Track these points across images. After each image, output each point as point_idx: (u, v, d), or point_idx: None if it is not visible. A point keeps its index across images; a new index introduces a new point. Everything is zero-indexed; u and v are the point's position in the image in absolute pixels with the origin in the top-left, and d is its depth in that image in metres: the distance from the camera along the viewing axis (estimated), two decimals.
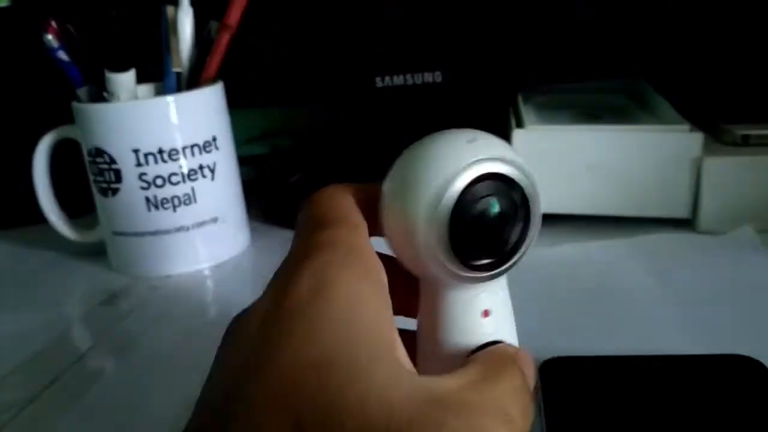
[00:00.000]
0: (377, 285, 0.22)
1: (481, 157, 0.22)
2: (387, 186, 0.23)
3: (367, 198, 0.24)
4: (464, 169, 0.22)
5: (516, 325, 0.26)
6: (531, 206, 0.23)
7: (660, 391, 0.29)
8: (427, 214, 0.22)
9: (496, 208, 0.22)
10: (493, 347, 0.24)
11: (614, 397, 0.29)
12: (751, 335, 0.34)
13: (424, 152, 0.23)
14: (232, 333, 0.23)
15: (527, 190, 0.23)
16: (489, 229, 0.22)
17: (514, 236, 0.23)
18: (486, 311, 0.24)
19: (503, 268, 0.23)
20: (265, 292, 0.22)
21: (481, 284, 0.24)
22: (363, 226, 0.23)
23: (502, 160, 0.22)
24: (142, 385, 0.37)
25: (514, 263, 0.24)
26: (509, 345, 0.24)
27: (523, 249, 0.24)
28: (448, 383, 0.20)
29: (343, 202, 0.24)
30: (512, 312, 0.26)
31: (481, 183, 0.22)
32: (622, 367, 0.31)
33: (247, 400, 0.19)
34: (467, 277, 0.23)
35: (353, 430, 0.18)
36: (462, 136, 0.23)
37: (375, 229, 0.24)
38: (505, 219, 0.23)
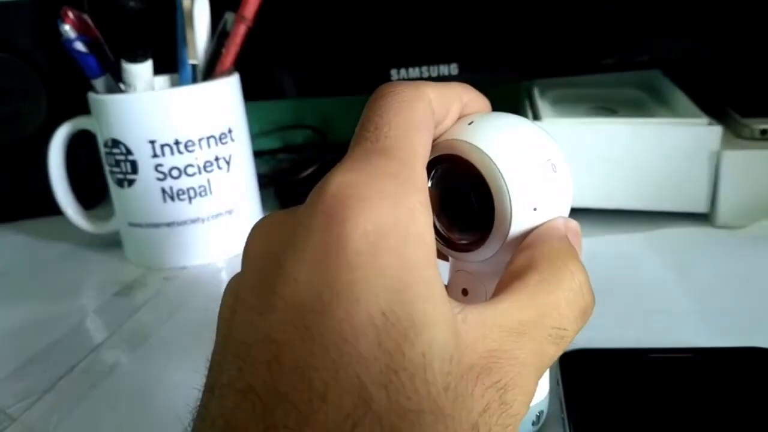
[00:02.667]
0: (430, 241, 0.21)
1: (446, 138, 0.23)
2: None
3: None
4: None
5: None
6: (490, 183, 0.22)
7: (680, 383, 0.29)
8: None
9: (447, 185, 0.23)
10: (543, 233, 0.23)
11: (635, 389, 0.29)
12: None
13: None
14: (262, 257, 0.21)
15: (479, 167, 0.22)
16: (445, 204, 0.24)
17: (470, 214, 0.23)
18: (464, 290, 0.26)
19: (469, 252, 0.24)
20: (309, 218, 0.20)
21: (460, 262, 0.25)
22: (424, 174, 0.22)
23: (461, 141, 0.23)
24: (157, 375, 0.37)
25: (483, 254, 0.24)
26: (556, 226, 0.24)
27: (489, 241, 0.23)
28: (503, 307, 0.20)
29: (422, 133, 0.22)
30: None
31: (444, 163, 0.23)
32: (642, 360, 0.31)
33: (303, 363, 0.18)
34: (444, 249, 0.24)
35: (414, 396, 0.18)
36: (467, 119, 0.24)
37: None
38: (459, 198, 0.23)
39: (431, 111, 0.23)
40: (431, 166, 0.23)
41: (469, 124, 0.23)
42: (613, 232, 0.47)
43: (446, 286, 0.22)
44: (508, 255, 0.23)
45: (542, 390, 0.27)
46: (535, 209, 0.23)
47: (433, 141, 0.23)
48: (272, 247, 0.21)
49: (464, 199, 0.23)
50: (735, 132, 0.49)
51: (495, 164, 0.22)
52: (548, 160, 0.23)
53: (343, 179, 0.20)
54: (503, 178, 0.22)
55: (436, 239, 0.23)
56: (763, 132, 0.48)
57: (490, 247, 0.23)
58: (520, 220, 0.22)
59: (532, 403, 0.26)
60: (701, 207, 0.47)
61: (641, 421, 0.27)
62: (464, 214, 0.24)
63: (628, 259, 0.43)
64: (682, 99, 0.51)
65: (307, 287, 0.19)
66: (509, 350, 0.20)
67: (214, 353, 0.21)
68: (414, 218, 0.20)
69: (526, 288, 0.21)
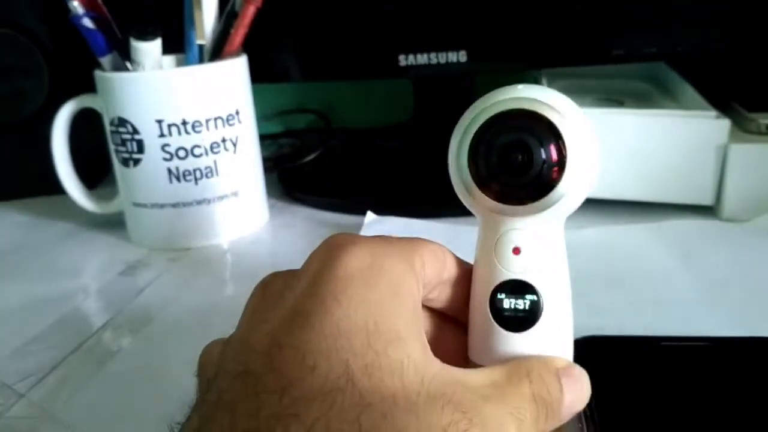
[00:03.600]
0: (416, 287, 0.25)
1: (514, 95, 0.24)
2: None
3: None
4: (496, 103, 0.24)
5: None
6: (566, 147, 0.24)
7: (694, 371, 0.29)
8: (457, 142, 0.25)
9: (509, 138, 0.24)
10: (532, 358, 0.25)
11: (647, 376, 0.29)
12: None
13: (488, 92, 0.25)
14: (269, 285, 0.25)
15: (562, 133, 0.24)
16: (509, 161, 0.24)
17: (540, 173, 0.24)
18: (516, 248, 0.26)
19: (526, 203, 0.25)
20: (311, 259, 0.25)
21: (514, 220, 0.25)
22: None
23: (539, 101, 0.24)
24: (163, 355, 0.37)
25: (540, 204, 0.25)
26: (552, 359, 0.25)
27: (557, 191, 0.24)
28: (477, 376, 0.23)
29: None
30: (558, 266, 0.26)
31: (512, 115, 0.24)
32: (653, 347, 0.31)
33: (300, 344, 0.21)
34: (486, 200, 0.25)
35: (392, 388, 0.21)
36: (520, 84, 0.25)
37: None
38: (529, 154, 0.24)
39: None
40: (488, 128, 0.24)
41: (521, 88, 0.25)
42: (620, 222, 0.47)
43: (494, 248, 0.26)
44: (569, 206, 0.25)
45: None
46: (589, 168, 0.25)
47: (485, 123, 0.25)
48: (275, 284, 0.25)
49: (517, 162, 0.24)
50: (741, 126, 0.49)
51: (565, 116, 0.24)
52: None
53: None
54: (573, 124, 0.24)
55: (488, 195, 0.25)
56: None
57: (563, 189, 0.24)
58: (586, 175, 0.25)
59: None
60: (707, 200, 0.47)
61: (655, 407, 0.27)
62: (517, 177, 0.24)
63: (635, 250, 0.44)
64: (689, 91, 0.51)
65: (312, 296, 0.22)
66: (472, 406, 0.22)
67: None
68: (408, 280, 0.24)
69: (501, 374, 0.24)
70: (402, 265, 0.25)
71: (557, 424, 0.24)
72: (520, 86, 0.25)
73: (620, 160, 0.48)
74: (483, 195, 0.25)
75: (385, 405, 0.20)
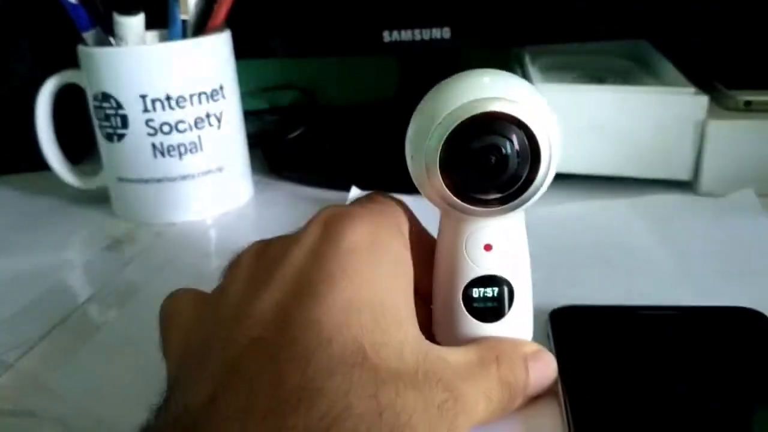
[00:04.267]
0: (410, 262, 0.26)
1: (484, 96, 0.24)
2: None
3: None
4: (465, 105, 0.24)
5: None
6: (539, 146, 0.24)
7: (665, 339, 0.30)
8: (427, 144, 0.24)
9: (482, 144, 0.24)
10: (503, 343, 0.26)
11: (621, 343, 0.30)
12: (748, 290, 0.35)
13: (439, 89, 0.25)
14: (263, 252, 0.26)
15: (534, 132, 0.24)
16: (482, 162, 0.24)
17: (515, 174, 0.24)
18: (488, 245, 0.26)
19: (505, 204, 0.25)
20: (309, 230, 0.25)
21: (485, 219, 0.26)
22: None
23: (507, 100, 0.23)
24: (149, 328, 0.37)
25: (517, 202, 0.25)
26: (521, 345, 0.27)
27: (530, 189, 0.25)
28: (456, 356, 0.25)
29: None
30: (524, 255, 0.27)
31: (483, 119, 0.23)
32: (629, 316, 0.32)
33: (313, 317, 0.21)
34: (463, 207, 0.25)
35: (397, 366, 0.21)
36: (478, 75, 0.25)
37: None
38: (503, 156, 0.24)
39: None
40: (458, 132, 0.24)
41: (486, 82, 0.24)
42: (599, 197, 0.48)
43: (465, 245, 0.27)
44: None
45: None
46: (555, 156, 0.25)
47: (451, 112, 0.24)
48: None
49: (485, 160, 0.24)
50: (720, 103, 0.50)
51: (532, 110, 0.24)
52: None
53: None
54: (541, 120, 0.24)
55: (464, 202, 0.25)
56: (747, 103, 0.49)
57: (536, 185, 0.25)
58: (553, 165, 0.25)
59: None
60: (685, 175, 0.48)
61: (627, 372, 0.28)
62: (484, 176, 0.24)
63: (613, 224, 0.44)
64: (669, 69, 0.52)
65: (318, 268, 0.23)
66: (455, 385, 0.23)
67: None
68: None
69: (475, 355, 0.25)
70: (399, 240, 0.26)
71: (522, 403, 0.26)
72: (486, 79, 0.24)
73: (600, 136, 0.48)
74: (458, 201, 0.25)
75: (395, 382, 0.21)
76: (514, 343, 0.27)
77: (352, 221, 0.25)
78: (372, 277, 0.23)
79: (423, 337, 0.24)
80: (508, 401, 0.25)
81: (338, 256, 0.23)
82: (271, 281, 0.23)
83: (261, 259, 0.25)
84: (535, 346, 0.27)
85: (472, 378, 0.24)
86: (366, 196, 0.29)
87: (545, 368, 0.27)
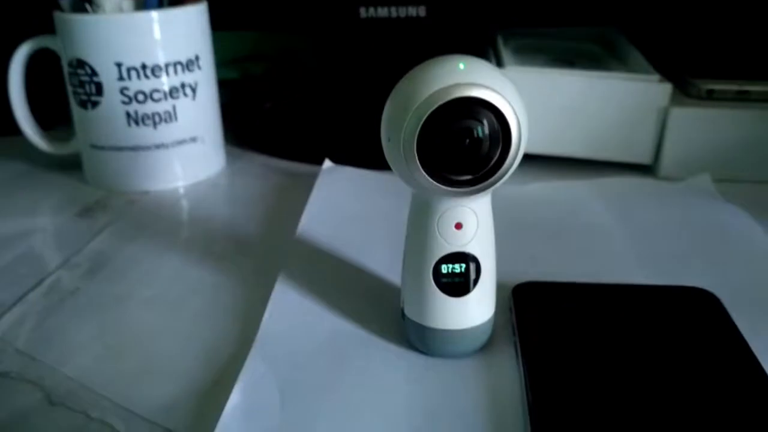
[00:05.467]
0: None
1: (457, 82, 0.25)
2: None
3: None
4: (441, 91, 0.25)
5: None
6: (508, 131, 0.25)
7: (620, 316, 0.32)
8: (405, 128, 0.25)
9: (461, 126, 0.25)
10: None
11: (578, 318, 0.32)
12: (700, 271, 0.37)
13: (415, 74, 0.26)
14: None
15: (506, 117, 0.25)
16: (456, 145, 0.25)
17: (486, 155, 0.26)
18: (459, 224, 0.28)
19: (478, 185, 0.26)
20: None
21: (457, 198, 0.27)
22: None
23: (480, 85, 0.25)
24: (118, 294, 0.38)
25: (488, 183, 0.26)
26: None
27: (501, 171, 0.26)
28: None
29: None
30: (490, 234, 0.29)
31: (458, 104, 0.25)
32: (586, 293, 0.33)
33: None
34: (436, 187, 0.26)
35: None
36: (453, 62, 0.26)
37: None
38: (476, 139, 0.25)
39: None
40: (435, 117, 0.25)
41: (461, 68, 0.25)
42: (563, 178, 0.49)
43: (437, 224, 0.27)
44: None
45: (488, 312, 0.30)
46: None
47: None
48: None
49: (457, 144, 0.25)
50: (683, 91, 0.52)
51: (504, 96, 0.25)
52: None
53: None
54: (512, 105, 0.25)
55: (438, 183, 0.26)
56: (710, 92, 0.51)
57: (506, 167, 0.26)
58: (521, 147, 0.26)
59: (481, 321, 0.30)
60: (646, 159, 0.50)
61: (583, 347, 0.30)
62: (455, 158, 0.26)
63: (575, 204, 0.46)
64: (636, 56, 0.53)
65: None
66: None
67: None
68: None
69: None
70: None
71: None
72: (461, 65, 0.25)
73: (567, 118, 0.50)
74: (433, 182, 0.26)
75: None
76: None
77: None
78: None
79: None
80: None
81: None
82: None
83: None
84: None
85: None
86: None
87: None
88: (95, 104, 0.48)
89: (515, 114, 0.25)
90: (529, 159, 0.50)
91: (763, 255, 0.39)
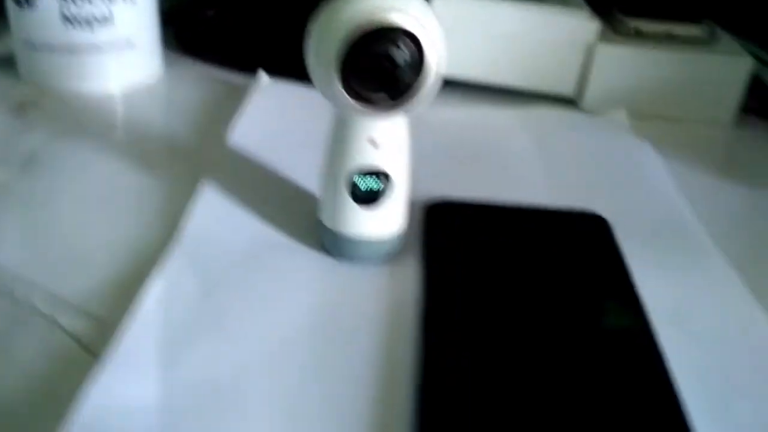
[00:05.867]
0: None
1: (382, 6, 0.26)
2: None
3: None
4: (363, 17, 0.26)
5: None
6: (425, 57, 0.27)
7: (517, 234, 0.35)
8: (330, 51, 0.27)
9: (381, 51, 0.27)
10: None
11: (483, 235, 0.34)
12: (600, 198, 0.40)
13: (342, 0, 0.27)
14: None
15: (422, 42, 0.27)
16: (377, 69, 0.27)
17: (404, 79, 0.27)
18: (374, 141, 0.30)
19: (393, 107, 0.28)
20: None
21: (374, 117, 0.29)
22: None
23: (401, 12, 0.26)
24: (48, 191, 0.39)
25: (404, 106, 0.28)
26: None
27: (419, 94, 0.28)
28: None
29: None
30: (404, 152, 0.31)
31: (379, 30, 0.26)
32: (493, 212, 0.36)
33: None
34: (356, 107, 0.28)
35: None
36: None
37: None
38: (395, 64, 0.27)
39: None
40: (358, 42, 0.27)
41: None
42: (488, 105, 0.51)
43: (355, 139, 0.29)
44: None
45: (396, 224, 0.33)
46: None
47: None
48: None
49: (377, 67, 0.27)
50: (614, 28, 0.53)
51: (422, 23, 0.27)
52: None
53: None
54: (429, 32, 0.27)
55: (358, 103, 0.28)
56: (638, 32, 0.53)
57: (424, 90, 0.28)
58: (439, 75, 0.28)
59: (389, 231, 0.32)
60: (570, 91, 0.52)
61: (478, 261, 0.33)
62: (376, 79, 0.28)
63: (497, 132, 0.48)
64: None
65: None
66: None
67: None
68: None
69: None
70: None
71: None
72: None
73: (496, 47, 0.51)
74: (353, 102, 0.28)
75: None
76: None
77: None
78: None
79: None
80: None
81: None
82: None
83: None
84: None
85: None
86: None
87: None
88: (31, 2, 0.47)
89: (432, 42, 0.27)
90: (459, 86, 0.52)
91: (657, 186, 0.42)
